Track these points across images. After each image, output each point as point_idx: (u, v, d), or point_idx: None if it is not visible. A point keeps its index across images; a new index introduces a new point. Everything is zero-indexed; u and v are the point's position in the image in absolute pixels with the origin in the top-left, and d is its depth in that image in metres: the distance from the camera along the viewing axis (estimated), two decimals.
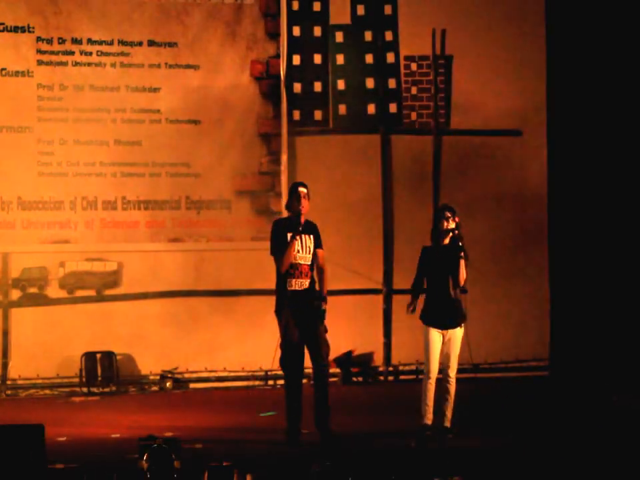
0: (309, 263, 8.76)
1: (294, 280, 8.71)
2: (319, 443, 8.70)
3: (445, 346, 8.89)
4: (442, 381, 8.91)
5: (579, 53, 12.55)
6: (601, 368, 11.92)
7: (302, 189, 8.82)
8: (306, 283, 8.73)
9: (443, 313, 8.88)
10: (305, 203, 8.77)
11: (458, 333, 8.91)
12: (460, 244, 8.83)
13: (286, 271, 8.71)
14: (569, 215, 12.62)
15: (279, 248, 8.72)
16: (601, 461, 7.91)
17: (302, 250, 8.74)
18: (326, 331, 8.77)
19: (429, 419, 8.86)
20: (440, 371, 8.92)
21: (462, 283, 8.87)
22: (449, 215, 8.89)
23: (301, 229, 8.70)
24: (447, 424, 8.88)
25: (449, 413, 8.88)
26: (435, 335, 8.87)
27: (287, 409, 8.78)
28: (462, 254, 8.81)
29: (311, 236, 8.80)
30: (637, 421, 9.34)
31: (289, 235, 8.70)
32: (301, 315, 8.70)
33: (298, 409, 8.73)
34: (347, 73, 12.66)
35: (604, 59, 12.51)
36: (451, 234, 8.87)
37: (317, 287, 8.81)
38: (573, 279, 12.54)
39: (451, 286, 8.86)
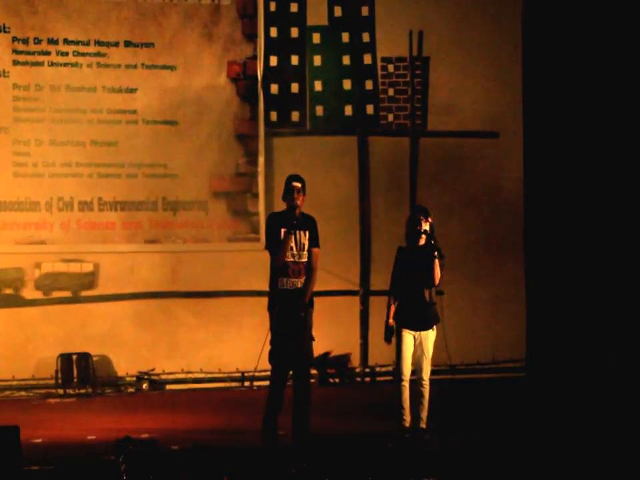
0: (304, 260, 8.40)
1: (285, 279, 8.37)
2: (294, 445, 8.70)
3: (418, 348, 8.89)
4: (416, 384, 8.92)
5: (556, 55, 12.61)
6: (577, 369, 11.97)
7: (296, 184, 8.39)
8: (298, 283, 8.37)
9: (416, 314, 8.89)
10: (299, 197, 8.38)
11: (430, 335, 8.91)
12: (433, 243, 8.84)
13: (279, 269, 8.38)
14: (546, 217, 12.67)
15: (273, 242, 8.39)
16: (577, 460, 7.95)
17: (295, 247, 8.38)
18: (313, 340, 8.47)
19: (406, 421, 8.87)
20: (413, 373, 8.93)
21: (436, 282, 8.89)
22: (422, 217, 8.91)
23: (295, 222, 8.34)
24: (422, 425, 8.89)
25: (423, 415, 8.89)
26: (408, 337, 8.88)
27: (267, 406, 8.63)
28: (436, 253, 8.82)
29: (306, 232, 8.42)
30: (611, 419, 9.41)
31: (283, 230, 8.34)
32: (291, 315, 8.39)
33: (277, 407, 8.60)
34: (324, 74, 12.66)
35: (580, 61, 12.57)
36: (424, 235, 8.88)
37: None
38: (549, 280, 12.58)
39: (425, 287, 8.87)
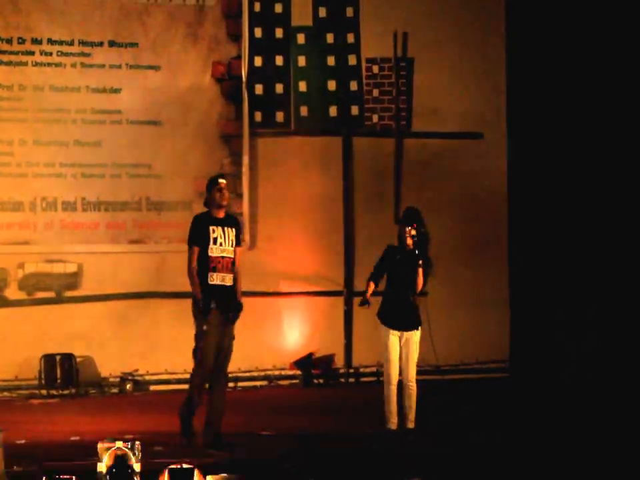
0: (232, 256, 8.68)
1: (215, 274, 8.61)
2: (282, 444, 8.72)
3: (403, 349, 8.91)
4: (403, 385, 8.93)
5: (540, 56, 12.64)
6: (560, 369, 12.01)
7: (222, 181, 8.77)
8: (227, 278, 8.64)
9: (400, 314, 8.94)
10: (226, 194, 8.74)
11: (415, 336, 8.95)
12: (417, 252, 8.87)
13: (207, 265, 8.59)
14: (529, 217, 12.70)
15: (198, 240, 8.62)
16: (562, 460, 7.98)
17: (225, 242, 8.65)
18: (233, 338, 8.72)
19: (393, 423, 8.89)
20: (400, 373, 8.95)
21: (418, 289, 8.93)
22: (412, 221, 8.95)
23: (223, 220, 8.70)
24: (411, 425, 8.91)
25: (411, 416, 8.92)
26: (393, 339, 8.90)
27: (189, 400, 8.72)
28: (420, 262, 8.85)
29: (233, 229, 8.74)
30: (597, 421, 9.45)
31: (211, 227, 8.63)
32: (221, 311, 8.60)
33: (199, 402, 8.74)
34: (309, 74, 12.67)
35: (564, 61, 12.60)
36: (411, 240, 8.89)
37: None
38: (532, 280, 12.61)
39: (410, 290, 8.92)
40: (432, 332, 9.14)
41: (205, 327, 8.55)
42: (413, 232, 8.91)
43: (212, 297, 8.56)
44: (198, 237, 8.65)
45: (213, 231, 8.64)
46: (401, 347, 8.91)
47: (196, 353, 8.66)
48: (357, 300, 12.46)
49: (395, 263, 8.94)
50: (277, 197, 12.48)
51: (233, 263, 8.66)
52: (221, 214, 8.73)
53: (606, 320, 12.26)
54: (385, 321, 8.97)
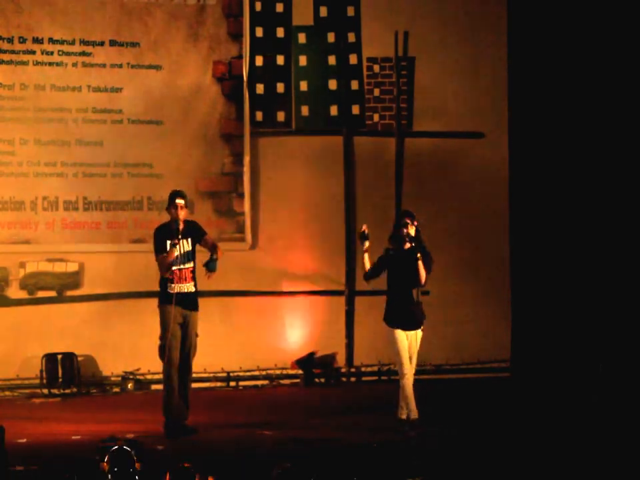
0: (190, 266, 9.23)
1: (174, 284, 9.19)
2: (283, 443, 8.72)
3: (409, 346, 9.05)
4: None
5: (541, 55, 12.64)
6: (562, 369, 12.01)
7: (179, 201, 9.26)
8: (185, 287, 9.23)
9: (406, 315, 9.10)
10: (181, 212, 9.20)
11: (419, 334, 9.14)
12: (414, 245, 8.97)
13: (167, 276, 9.19)
14: (530, 216, 12.70)
15: (160, 253, 9.20)
16: (564, 459, 7.99)
17: (180, 256, 9.21)
18: (197, 335, 9.30)
19: (403, 414, 9.02)
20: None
21: (422, 281, 9.02)
22: (408, 221, 9.06)
23: (180, 236, 9.13)
24: (414, 415, 9.01)
25: (412, 405, 9.02)
26: (401, 335, 9.09)
27: (168, 401, 9.17)
28: (418, 255, 8.93)
29: (189, 239, 9.22)
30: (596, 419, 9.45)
31: (168, 242, 9.16)
32: (182, 315, 9.19)
33: (177, 401, 9.17)
34: (310, 74, 12.66)
35: (565, 60, 12.61)
36: (408, 240, 9.01)
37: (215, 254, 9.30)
38: (533, 280, 12.61)
39: (413, 287, 9.01)
40: (432, 331, 9.21)
41: (166, 330, 9.14)
42: (412, 231, 9.02)
43: (171, 300, 9.11)
44: (160, 248, 9.20)
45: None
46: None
47: (162, 350, 9.21)
48: (358, 299, 12.52)
49: (393, 267, 9.08)
50: (278, 196, 12.48)
51: (193, 272, 9.24)
52: (178, 227, 9.20)
53: (608, 319, 12.26)
54: (393, 324, 9.11)
